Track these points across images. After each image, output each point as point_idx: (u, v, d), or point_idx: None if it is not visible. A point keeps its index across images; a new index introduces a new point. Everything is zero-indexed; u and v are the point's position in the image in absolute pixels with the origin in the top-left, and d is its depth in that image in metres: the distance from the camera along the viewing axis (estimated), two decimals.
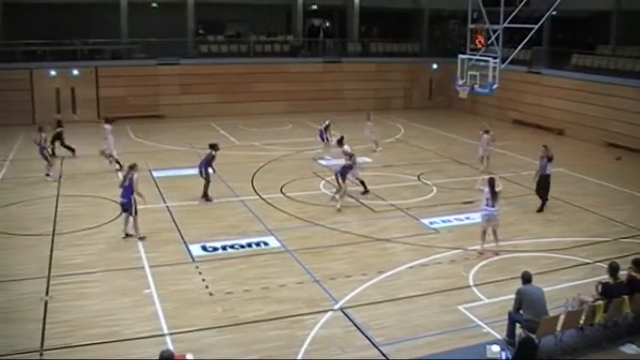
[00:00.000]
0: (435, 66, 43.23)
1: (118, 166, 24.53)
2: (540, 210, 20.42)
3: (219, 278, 15.19)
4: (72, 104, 36.64)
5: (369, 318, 13.22)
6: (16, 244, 17.53)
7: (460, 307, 13.67)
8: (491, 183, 16.85)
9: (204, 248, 17.04)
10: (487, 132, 25.33)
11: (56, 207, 20.65)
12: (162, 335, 12.53)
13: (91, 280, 15.13)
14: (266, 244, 17.48)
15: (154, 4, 41.06)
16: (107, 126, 25.70)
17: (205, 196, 21.33)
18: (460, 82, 24.90)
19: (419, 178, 24.20)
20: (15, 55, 37.05)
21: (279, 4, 44.09)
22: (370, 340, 12.31)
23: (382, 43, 44.64)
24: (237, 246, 17.29)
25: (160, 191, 22.38)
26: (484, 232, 16.74)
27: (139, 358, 11.60)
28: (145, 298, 14.10)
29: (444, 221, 19.25)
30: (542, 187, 20.54)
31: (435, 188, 22.81)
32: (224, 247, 17.16)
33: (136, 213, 17.52)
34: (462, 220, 19.56)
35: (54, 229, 18.57)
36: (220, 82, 38.99)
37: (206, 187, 21.37)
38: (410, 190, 22.74)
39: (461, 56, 24.76)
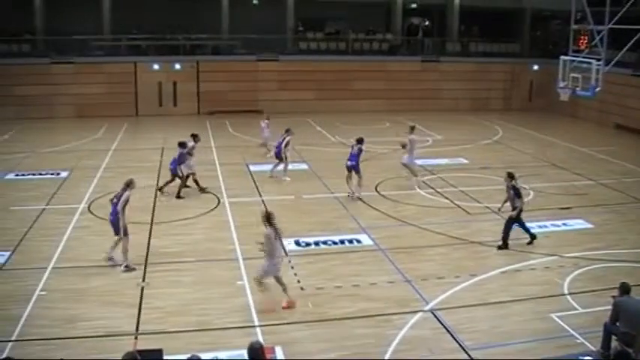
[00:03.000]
0: (535, 67, 42.25)
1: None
2: None
3: (310, 273, 15.29)
4: (173, 98, 37.68)
5: (459, 321, 13.03)
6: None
7: (553, 316, 13.29)
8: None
9: (297, 243, 17.17)
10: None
11: (155, 197, 21.26)
12: (252, 327, 12.70)
13: (185, 269, 15.51)
14: (359, 241, 17.48)
15: (255, 1, 41.72)
16: None
17: (178, 194, 21.22)
18: (561, 84, 24.27)
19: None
20: (121, 49, 38.38)
21: (378, 2, 44.02)
22: (459, 344, 12.13)
23: (482, 42, 43.93)
24: (330, 242, 17.35)
25: (255, 185, 22.73)
26: None
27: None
28: (237, 290, 14.32)
29: (540, 227, 18.76)
30: None
31: (532, 192, 22.28)
32: (317, 243, 17.25)
33: (125, 234, 15.44)
34: (558, 226, 19.03)
35: (152, 219, 19.14)
36: (318, 79, 39.29)
37: (181, 185, 21.36)
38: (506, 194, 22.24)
39: (563, 58, 24.12)
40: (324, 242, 17.30)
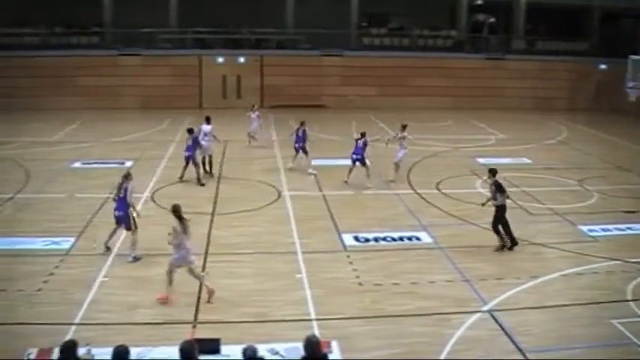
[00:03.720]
0: (603, 66, 41.30)
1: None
2: None
3: (369, 269, 15.28)
4: (237, 91, 38.08)
5: (518, 323, 12.84)
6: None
7: (614, 322, 12.97)
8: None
9: (356, 238, 17.18)
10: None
11: (217, 188, 21.53)
12: (309, 320, 12.76)
13: (245, 260, 15.67)
14: (418, 239, 17.39)
15: None
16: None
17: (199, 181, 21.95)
18: (630, 84, 23.70)
19: (580, 183, 23.23)
20: (186, 42, 38.95)
21: None
22: (516, 346, 11.97)
23: (548, 41, 43.13)
24: (389, 239, 17.30)
25: (316, 179, 22.83)
26: None
27: None
28: (296, 283, 14.42)
29: (603, 230, 18.35)
30: None
31: (595, 194, 21.82)
32: (376, 239, 17.21)
33: (135, 227, 15.80)
34: (622, 230, 18.53)
35: (214, 210, 19.40)
36: (381, 75, 39.20)
37: (198, 172, 22.05)
38: (569, 195, 21.88)
39: (632, 57, 23.56)
40: (384, 239, 17.25)
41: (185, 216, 13.45)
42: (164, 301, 13.36)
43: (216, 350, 10.81)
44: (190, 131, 21.96)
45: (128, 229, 15.78)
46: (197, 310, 13.10)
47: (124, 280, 14.51)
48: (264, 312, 13.03)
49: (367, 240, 17.14)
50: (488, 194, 17.02)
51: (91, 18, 39.39)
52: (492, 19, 47.73)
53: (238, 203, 20.02)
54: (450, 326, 12.63)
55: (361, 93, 38.83)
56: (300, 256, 15.88)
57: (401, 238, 17.33)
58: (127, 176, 15.92)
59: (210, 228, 17.84)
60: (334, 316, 12.90)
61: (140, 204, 19.74)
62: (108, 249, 16.01)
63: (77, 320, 12.67)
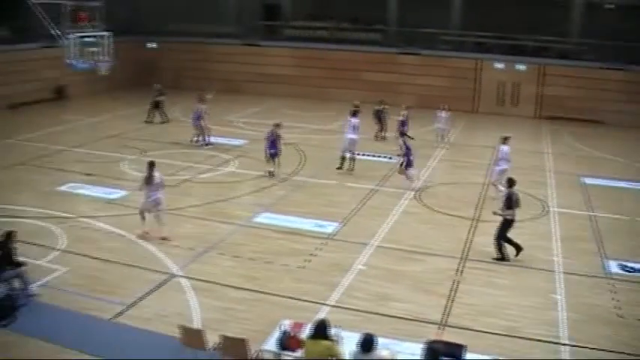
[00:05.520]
0: None
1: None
2: None
3: (633, 301, 14.22)
4: (513, 98, 37.30)
5: None
6: (439, 221, 18.68)
7: None
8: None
9: (623, 267, 16.00)
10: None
11: (483, 195, 21.33)
12: (559, 344, 12.24)
13: (501, 271, 15.38)
14: None
15: (610, 5, 39.32)
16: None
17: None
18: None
19: None
20: (466, 45, 38.90)
21: None
22: None
23: None
24: None
25: (588, 198, 21.63)
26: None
27: None
28: (551, 302, 13.89)
29: None
30: None
31: None
32: None
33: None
34: None
35: (476, 215, 19.26)
36: None
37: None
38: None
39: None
40: None
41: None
42: (144, 236, 16.26)
43: (459, 356, 10.77)
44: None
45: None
46: (447, 313, 13.15)
47: (380, 271, 14.98)
48: (515, 327, 12.73)
49: (635, 270, 15.92)
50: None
51: (377, 16, 40.87)
52: None
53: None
54: None
55: None
56: (558, 276, 15.25)
57: None
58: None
59: (472, 233, 17.75)
60: (587, 345, 12.23)
61: (406, 200, 20.24)
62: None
63: (331, 302, 13.33)
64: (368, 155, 25.36)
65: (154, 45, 43.52)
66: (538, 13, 37.63)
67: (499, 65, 37.34)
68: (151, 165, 16.29)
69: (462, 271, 15.21)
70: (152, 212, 16.34)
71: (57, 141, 26.76)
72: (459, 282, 14.62)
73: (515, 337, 12.38)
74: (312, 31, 41.81)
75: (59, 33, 24.49)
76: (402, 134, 25.78)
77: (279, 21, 43.89)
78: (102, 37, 25.61)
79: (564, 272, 15.43)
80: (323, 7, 42.47)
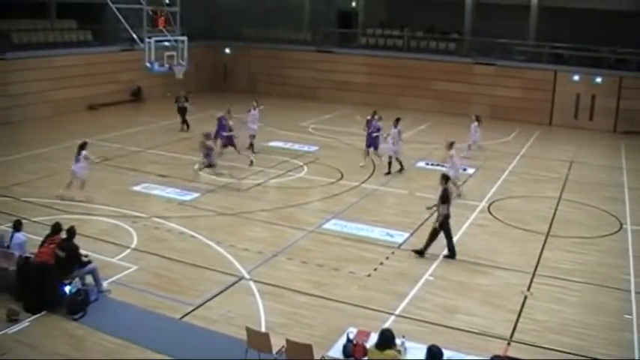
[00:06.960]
0: None
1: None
2: None
3: None
4: (590, 112, 36.42)
5: None
6: (511, 235, 18.41)
7: None
8: None
9: None
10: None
11: (556, 209, 20.92)
12: None
13: (573, 288, 15.05)
14: None
15: None
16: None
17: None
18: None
19: None
20: (542, 56, 38.20)
21: None
22: None
23: None
24: None
25: None
26: None
27: None
28: (624, 323, 13.49)
29: None
30: None
31: None
32: None
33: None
34: None
35: (549, 230, 18.88)
36: None
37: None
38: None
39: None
40: None
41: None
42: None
43: None
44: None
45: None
46: (514, 329, 12.94)
47: (447, 283, 14.86)
48: (583, 346, 12.43)
49: None
50: None
51: (452, 25, 40.60)
52: None
53: (575, 228, 19.23)
54: None
55: None
56: (633, 296, 14.79)
57: None
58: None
59: (543, 248, 17.41)
60: None
61: (476, 212, 20.02)
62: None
63: (397, 311, 13.31)
64: (440, 166, 25.17)
65: (228, 50, 44.22)
66: (617, 25, 36.67)
67: (576, 77, 36.52)
68: (81, 146, 19.67)
69: (530, 287, 14.94)
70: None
71: (132, 142, 27.49)
72: (527, 297, 14.37)
73: (582, 356, 12.08)
74: (386, 39, 41.82)
75: (138, 37, 25.16)
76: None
77: (353, 28, 44.06)
78: (178, 41, 26.13)
79: (639, 292, 14.98)
80: (398, 16, 42.35)
